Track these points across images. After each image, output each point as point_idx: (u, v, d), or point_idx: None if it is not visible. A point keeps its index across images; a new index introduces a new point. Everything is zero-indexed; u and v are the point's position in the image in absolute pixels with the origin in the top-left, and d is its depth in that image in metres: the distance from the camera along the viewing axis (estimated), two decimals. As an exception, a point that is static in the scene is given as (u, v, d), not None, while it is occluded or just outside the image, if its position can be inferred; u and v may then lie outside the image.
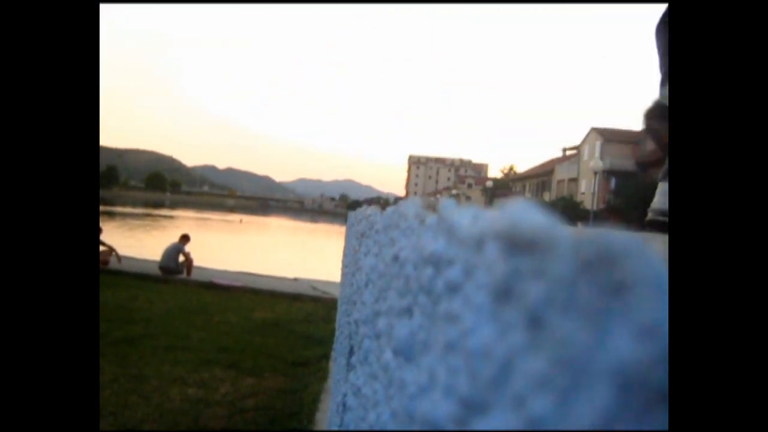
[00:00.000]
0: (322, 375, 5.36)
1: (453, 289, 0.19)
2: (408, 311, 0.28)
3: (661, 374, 0.09)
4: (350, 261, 0.86)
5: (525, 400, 0.12)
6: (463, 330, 0.16)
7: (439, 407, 0.16)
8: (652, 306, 0.10)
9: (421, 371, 0.22)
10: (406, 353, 0.26)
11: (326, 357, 5.86)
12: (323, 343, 6.49)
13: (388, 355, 0.31)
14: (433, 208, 0.36)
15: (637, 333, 0.10)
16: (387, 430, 0.28)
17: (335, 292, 9.16)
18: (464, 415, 0.14)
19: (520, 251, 0.13)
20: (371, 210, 0.72)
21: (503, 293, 0.13)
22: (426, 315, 0.24)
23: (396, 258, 0.35)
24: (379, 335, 0.37)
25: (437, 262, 0.22)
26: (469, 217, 0.20)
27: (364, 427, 0.39)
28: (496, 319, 0.13)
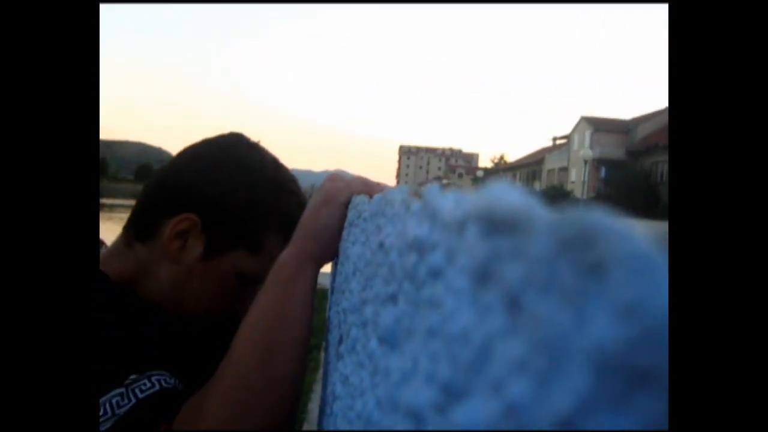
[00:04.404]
0: (314, 365, 5.36)
1: (435, 274, 0.19)
2: (393, 298, 0.28)
3: (641, 355, 0.09)
4: (340, 250, 0.86)
5: (503, 384, 0.11)
6: (444, 315, 0.16)
7: (421, 394, 0.16)
8: (631, 285, 0.09)
9: (405, 358, 0.21)
10: (390, 341, 0.26)
11: (318, 347, 5.86)
12: (315, 333, 6.46)
13: (373, 343, 0.31)
14: (419, 194, 0.35)
15: (615, 313, 0.09)
16: (372, 418, 0.27)
17: (326, 282, 9.15)
18: (444, 401, 0.14)
19: (498, 232, 0.13)
20: (359, 199, 0.71)
21: (483, 275, 0.13)
22: (410, 301, 0.24)
23: (381, 245, 0.35)
24: (365, 323, 0.37)
25: (420, 248, 0.22)
26: (451, 201, 0.20)
27: (352, 415, 0.39)
28: (476, 303, 0.13)
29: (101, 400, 0.69)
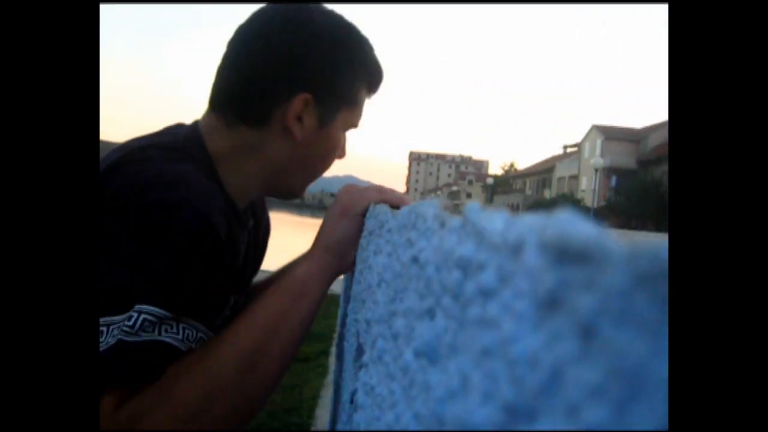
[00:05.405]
0: (322, 371, 5.36)
1: (486, 294, 0.19)
2: (429, 313, 0.29)
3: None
4: (358, 258, 0.86)
5: (579, 408, 0.12)
6: (502, 336, 0.16)
7: (477, 412, 0.16)
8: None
9: (451, 375, 0.22)
10: (430, 355, 0.26)
11: (325, 353, 5.87)
12: (322, 339, 6.49)
13: (408, 356, 0.31)
14: (451, 210, 0.36)
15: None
16: (410, 431, 0.28)
17: (334, 288, 9.12)
18: (508, 421, 0.14)
19: (570, 262, 0.13)
20: (379, 208, 0.72)
21: (550, 303, 0.13)
22: (452, 318, 0.24)
23: (415, 259, 0.35)
24: (396, 336, 0.38)
25: (465, 266, 0.23)
26: (501, 222, 0.20)
27: (381, 426, 0.39)
28: (543, 328, 0.14)
29: (139, 307, 0.70)
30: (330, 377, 4.97)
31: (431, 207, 0.36)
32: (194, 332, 0.77)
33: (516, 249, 0.17)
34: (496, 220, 0.21)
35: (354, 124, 1.01)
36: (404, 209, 0.45)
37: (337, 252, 0.90)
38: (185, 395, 0.71)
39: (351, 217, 0.89)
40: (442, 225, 0.32)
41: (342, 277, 1.29)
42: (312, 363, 5.60)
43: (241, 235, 0.98)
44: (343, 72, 0.95)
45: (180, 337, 0.75)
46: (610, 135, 38.08)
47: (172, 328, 0.74)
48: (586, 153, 39.98)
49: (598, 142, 38.30)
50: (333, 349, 5.80)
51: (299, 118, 0.92)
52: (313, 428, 4.22)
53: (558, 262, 0.13)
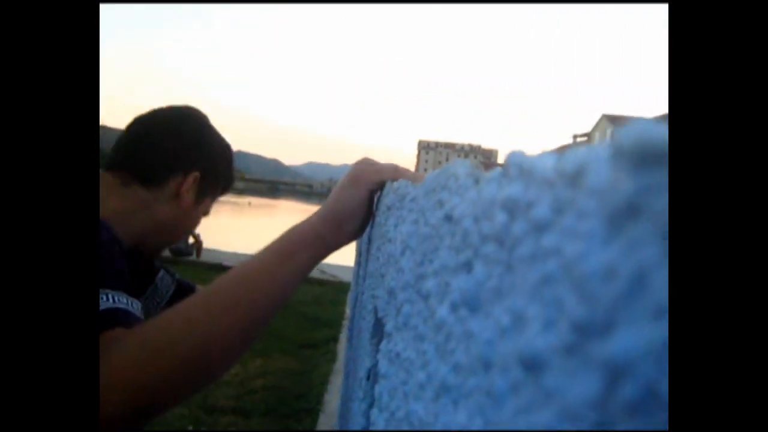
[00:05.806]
0: (331, 357, 5.40)
1: (540, 228, 0.19)
2: (467, 265, 0.28)
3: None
4: (374, 236, 0.86)
5: (665, 309, 0.11)
6: (565, 261, 0.16)
7: (539, 340, 0.16)
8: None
9: (498, 317, 0.21)
10: (471, 304, 0.26)
11: (334, 339, 5.90)
12: (331, 325, 6.53)
13: (442, 311, 0.31)
14: (481, 168, 0.35)
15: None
16: (447, 383, 0.28)
17: (343, 276, 9.19)
18: (577, 339, 0.14)
19: (651, 164, 0.13)
20: (399, 183, 0.71)
21: (628, 211, 0.13)
22: (496, 263, 0.24)
23: (449, 217, 0.35)
24: (427, 296, 0.37)
25: (512, 208, 0.22)
26: (549, 160, 0.20)
27: (408, 389, 0.39)
28: (618, 239, 0.13)
29: None
30: (339, 363, 5.01)
31: (463, 166, 0.36)
32: (122, 296, 0.80)
33: (574, 177, 0.17)
34: (544, 159, 0.21)
35: (206, 213, 1.25)
36: (431, 173, 0.45)
37: (334, 220, 0.88)
38: (151, 327, 0.71)
39: (358, 187, 0.88)
40: (477, 181, 0.32)
41: (352, 265, 1.35)
42: (321, 349, 5.64)
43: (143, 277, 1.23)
44: (221, 168, 1.23)
45: (111, 302, 0.77)
46: (620, 124, 37.84)
47: (101, 296, 0.76)
48: (596, 143, 39.77)
49: (608, 131, 38.08)
50: (342, 335, 5.83)
51: (187, 191, 1.14)
52: (322, 413, 4.25)
53: (638, 167, 0.13)
